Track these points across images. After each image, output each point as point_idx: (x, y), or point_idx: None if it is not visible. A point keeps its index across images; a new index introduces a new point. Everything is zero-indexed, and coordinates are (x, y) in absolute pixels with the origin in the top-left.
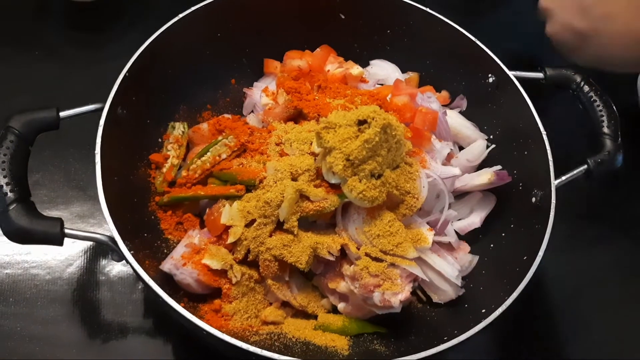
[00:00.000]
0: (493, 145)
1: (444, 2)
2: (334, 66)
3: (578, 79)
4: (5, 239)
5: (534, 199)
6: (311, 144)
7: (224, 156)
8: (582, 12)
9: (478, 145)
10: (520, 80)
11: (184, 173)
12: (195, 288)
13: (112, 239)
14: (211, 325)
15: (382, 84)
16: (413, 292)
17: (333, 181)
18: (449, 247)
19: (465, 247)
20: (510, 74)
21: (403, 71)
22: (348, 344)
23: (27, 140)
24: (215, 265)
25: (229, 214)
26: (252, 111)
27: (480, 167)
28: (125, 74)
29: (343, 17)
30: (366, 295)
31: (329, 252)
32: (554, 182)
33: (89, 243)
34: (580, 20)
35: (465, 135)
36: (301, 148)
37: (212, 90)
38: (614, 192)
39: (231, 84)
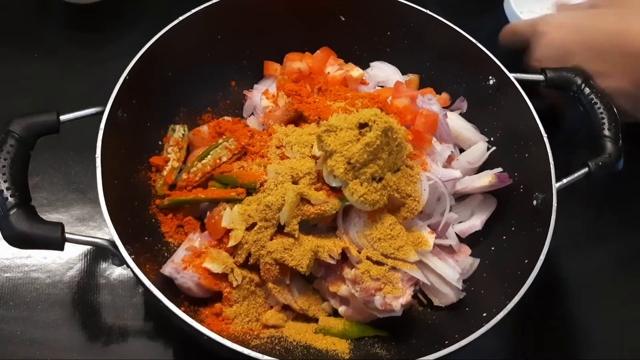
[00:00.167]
0: (494, 148)
1: (443, 2)
2: (334, 68)
3: (579, 81)
4: (4, 243)
5: (535, 202)
6: (312, 147)
7: (224, 159)
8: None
9: (479, 148)
10: (521, 82)
11: (184, 176)
12: (196, 292)
13: (112, 243)
14: (212, 329)
15: (382, 86)
16: (414, 295)
17: (334, 184)
18: (449, 250)
19: (466, 250)
20: (511, 76)
21: (403, 73)
22: (349, 347)
23: (28, 144)
24: (216, 268)
25: (229, 217)
26: (253, 113)
27: (480, 169)
28: (126, 77)
29: (343, 18)
30: (367, 299)
31: (330, 256)
32: (555, 185)
33: (89, 247)
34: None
35: (466, 138)
36: (302, 151)
37: (212, 92)
38: (614, 192)
39: (231, 86)
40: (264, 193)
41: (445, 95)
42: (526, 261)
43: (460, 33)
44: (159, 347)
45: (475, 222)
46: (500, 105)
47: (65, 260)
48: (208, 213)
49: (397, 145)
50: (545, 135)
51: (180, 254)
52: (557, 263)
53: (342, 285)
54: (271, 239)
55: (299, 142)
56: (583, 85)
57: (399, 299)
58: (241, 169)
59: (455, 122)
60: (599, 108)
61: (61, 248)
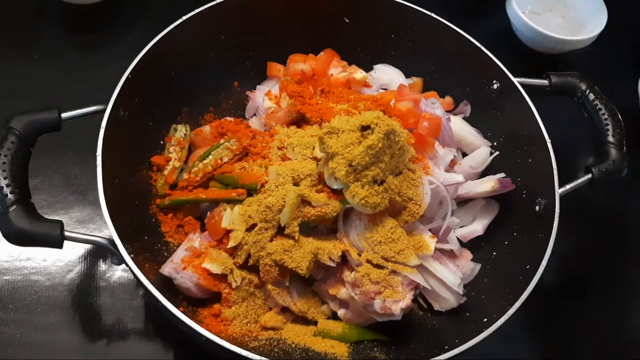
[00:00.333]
0: (497, 152)
1: (445, 4)
2: (338, 70)
3: (583, 87)
4: (4, 245)
5: (537, 208)
6: (313, 148)
7: (225, 159)
8: None
9: (481, 152)
10: (525, 87)
11: (185, 176)
12: (195, 292)
13: (112, 241)
14: (210, 330)
15: (385, 89)
16: (414, 300)
17: (335, 187)
18: (450, 254)
19: (468, 254)
20: (515, 80)
21: (407, 76)
22: (348, 350)
23: (28, 141)
24: (216, 269)
25: (230, 218)
26: (255, 114)
27: (483, 174)
28: (128, 76)
29: (347, 20)
30: (367, 302)
31: (330, 258)
32: (558, 191)
33: (89, 249)
34: None
35: (469, 142)
36: (303, 153)
37: (215, 92)
38: (617, 196)
39: (234, 86)
40: (265, 194)
41: (448, 99)
42: (527, 267)
43: (465, 36)
44: (159, 349)
45: (477, 227)
46: (504, 109)
47: (65, 263)
48: (208, 213)
49: (400, 148)
50: (549, 140)
51: (179, 254)
52: (559, 265)
53: (341, 288)
54: (271, 241)
55: (300, 144)
56: (587, 90)
57: (398, 303)
58: (242, 169)
59: (459, 126)
60: (604, 114)
61: (60, 246)
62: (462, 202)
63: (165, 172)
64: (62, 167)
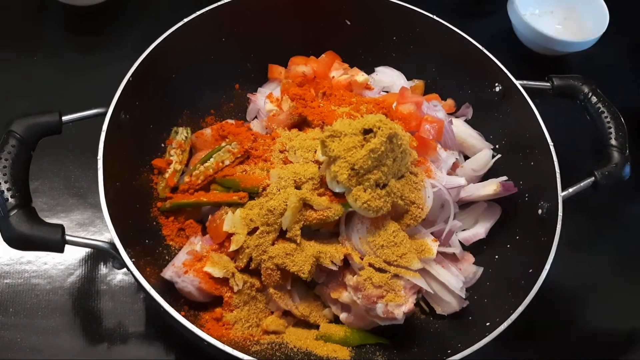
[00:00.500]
0: (499, 155)
1: (446, 5)
2: (339, 72)
3: (586, 90)
4: (4, 248)
5: (540, 211)
6: (315, 152)
7: (227, 162)
8: None
9: (484, 155)
10: (527, 89)
11: (186, 179)
12: (197, 296)
13: (113, 245)
14: (212, 334)
15: (387, 91)
16: (416, 303)
17: (337, 190)
18: (453, 258)
19: (470, 258)
20: (517, 83)
21: (408, 78)
22: (350, 354)
23: (29, 144)
24: (217, 273)
25: (231, 221)
26: (256, 117)
27: (485, 177)
28: (129, 79)
29: (349, 23)
30: (369, 306)
31: (332, 262)
32: (561, 194)
33: (90, 252)
34: None
35: (471, 145)
36: (305, 156)
37: (216, 95)
38: (618, 198)
39: (235, 89)
40: (267, 197)
41: (450, 102)
42: (530, 271)
43: (466, 38)
44: (160, 353)
45: (479, 230)
46: (506, 112)
47: (65, 266)
48: (210, 216)
49: (402, 151)
50: (552, 143)
51: (181, 257)
52: (560, 268)
53: (343, 291)
54: (273, 244)
55: (302, 147)
56: (590, 93)
57: (401, 307)
58: (244, 172)
59: (460, 128)
60: (606, 117)
61: (61, 250)
62: (464, 205)
63: (166, 175)
64: (62, 169)
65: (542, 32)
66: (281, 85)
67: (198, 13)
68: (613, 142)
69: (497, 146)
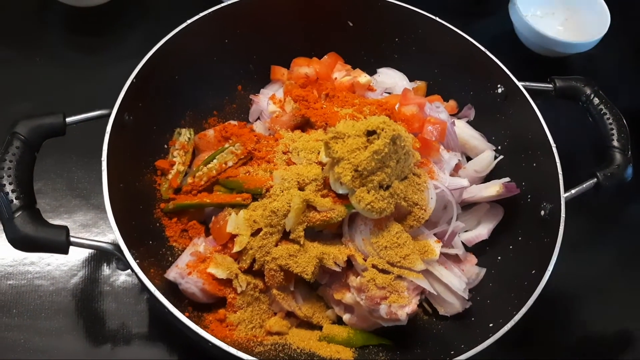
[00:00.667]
0: (501, 157)
1: (448, 6)
2: (342, 74)
3: (588, 91)
4: (7, 249)
5: (542, 212)
6: (319, 153)
7: (230, 164)
8: None
9: (486, 156)
10: (529, 90)
11: (189, 180)
12: (200, 297)
13: (117, 247)
14: (215, 335)
15: (389, 93)
16: (419, 304)
17: (340, 191)
18: (455, 259)
19: (472, 259)
20: (520, 84)
21: (410, 80)
22: (353, 355)
23: (33, 146)
24: (221, 274)
25: (234, 222)
26: (259, 118)
27: (487, 178)
28: (133, 80)
29: (351, 24)
30: (372, 307)
31: (335, 263)
32: (564, 195)
33: (93, 253)
34: None
35: (473, 146)
36: (308, 157)
37: (219, 96)
38: (620, 199)
39: (237, 90)
40: (270, 199)
41: (452, 103)
42: (533, 272)
43: (469, 40)
44: (164, 354)
45: (482, 231)
46: (509, 113)
47: (68, 267)
48: (213, 218)
49: (405, 153)
50: (554, 145)
51: (184, 258)
52: (562, 269)
53: (347, 293)
54: (276, 245)
55: (305, 148)
56: (592, 95)
57: (404, 308)
58: (247, 174)
59: (463, 130)
60: (608, 118)
61: (66, 252)
62: (467, 206)
63: (170, 176)
64: (64, 171)
65: (544, 34)
66: (284, 86)
67: (201, 15)
68: (615, 143)
69: (499, 147)
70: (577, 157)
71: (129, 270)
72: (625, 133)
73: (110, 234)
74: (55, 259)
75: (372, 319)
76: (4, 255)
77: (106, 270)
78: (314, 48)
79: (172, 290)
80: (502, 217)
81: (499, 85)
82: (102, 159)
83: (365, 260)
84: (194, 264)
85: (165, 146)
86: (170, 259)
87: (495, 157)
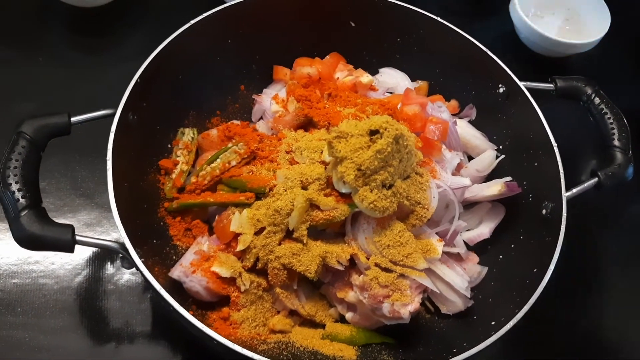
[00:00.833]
0: (502, 156)
1: (449, 6)
2: (344, 74)
3: (589, 91)
4: (12, 248)
5: (544, 211)
6: (321, 152)
7: (233, 163)
8: None
9: (487, 156)
10: (530, 90)
11: (193, 179)
12: (204, 296)
13: (122, 245)
14: (219, 333)
15: (391, 93)
16: (421, 303)
17: (343, 190)
18: (457, 257)
19: (474, 258)
20: (521, 84)
21: (412, 79)
22: (356, 353)
23: (39, 145)
24: (225, 273)
25: (238, 221)
26: (261, 118)
27: (489, 177)
28: (137, 80)
29: (353, 24)
30: (375, 306)
31: (338, 262)
32: (565, 194)
33: (97, 252)
34: None
35: (475, 145)
36: (311, 157)
37: (222, 96)
38: (621, 198)
39: (240, 90)
40: (273, 198)
41: (454, 103)
42: (535, 270)
43: (470, 40)
44: (167, 352)
45: (484, 230)
46: (510, 113)
47: (73, 266)
48: (217, 217)
49: (408, 152)
50: (555, 144)
51: (188, 257)
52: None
53: (349, 291)
54: (279, 244)
55: (308, 148)
56: (593, 95)
57: (407, 306)
58: (250, 173)
59: (464, 129)
60: (609, 118)
61: (71, 250)
62: (469, 205)
63: (173, 176)
64: (68, 170)
65: (544, 34)
66: (287, 86)
67: (204, 15)
68: (616, 142)
69: (500, 147)
70: (578, 156)
71: (133, 269)
72: (626, 132)
73: (114, 233)
74: (60, 257)
75: (375, 317)
76: (8, 254)
77: (110, 269)
78: (316, 48)
79: (176, 289)
80: (504, 216)
81: (500, 85)
82: (107, 158)
83: (368, 259)
84: (198, 263)
85: (169, 146)
86: (174, 257)
87: (497, 157)
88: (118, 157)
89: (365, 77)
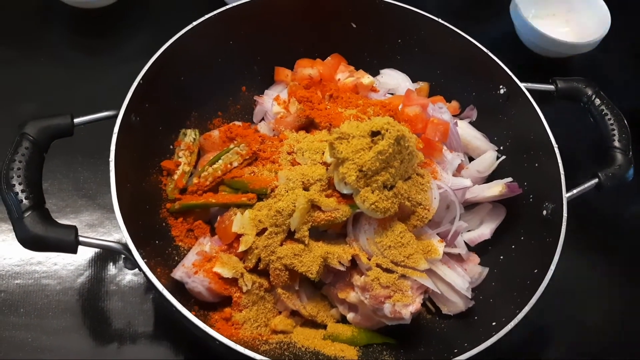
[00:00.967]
0: (503, 157)
1: (449, 7)
2: (345, 75)
3: (589, 92)
4: (15, 249)
5: (544, 212)
6: (323, 153)
7: (235, 164)
8: None
9: (488, 157)
10: (532, 92)
11: (195, 180)
12: (207, 296)
13: (125, 246)
14: (222, 333)
15: (392, 94)
16: (422, 303)
17: (345, 191)
18: (458, 258)
19: (475, 258)
20: (522, 85)
21: (413, 80)
22: (357, 354)
23: (42, 146)
24: (227, 273)
25: (240, 222)
26: (263, 119)
27: (490, 178)
28: (140, 81)
29: (354, 25)
30: (376, 306)
31: (340, 262)
32: (566, 195)
33: (99, 252)
34: None
35: (475, 146)
36: (313, 158)
37: (223, 97)
38: (622, 199)
39: (242, 91)
40: (275, 199)
41: (455, 104)
42: (535, 271)
43: (471, 41)
44: (169, 353)
45: (484, 231)
46: (511, 114)
47: (75, 267)
48: (218, 218)
49: (409, 153)
50: (556, 145)
51: (190, 258)
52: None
53: (351, 292)
54: (281, 245)
55: (310, 149)
56: (593, 96)
57: (408, 307)
58: (252, 174)
59: (465, 130)
60: (610, 119)
61: (75, 251)
62: (469, 206)
63: (175, 177)
64: (71, 171)
65: (545, 35)
66: (288, 87)
67: (206, 16)
68: (616, 143)
69: (501, 148)
70: (578, 157)
71: (136, 270)
72: (626, 133)
73: (116, 234)
74: (62, 258)
75: (376, 317)
76: (11, 255)
77: (112, 269)
78: (317, 49)
79: (179, 290)
80: (505, 217)
81: (501, 86)
82: (110, 159)
83: (370, 260)
84: (200, 263)
85: (171, 147)
86: (176, 258)
87: (498, 158)
88: (120, 158)
89: (366, 78)
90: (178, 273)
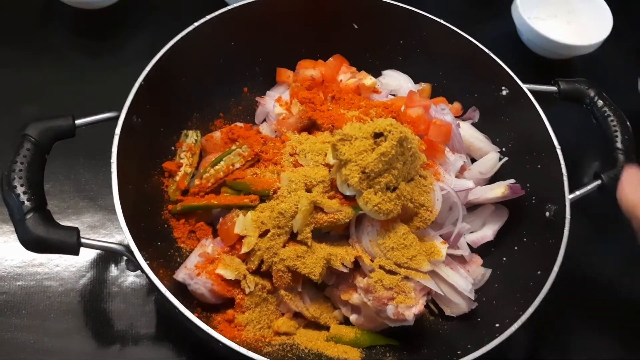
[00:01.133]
0: (505, 158)
1: (451, 8)
2: (347, 76)
3: (592, 94)
4: (17, 250)
5: (547, 213)
6: (325, 155)
7: (237, 165)
8: None
9: (491, 158)
10: (534, 93)
11: (197, 182)
12: (209, 298)
13: (127, 248)
14: (224, 335)
15: (394, 95)
16: (425, 305)
17: (348, 193)
18: (461, 260)
19: (478, 260)
20: (524, 86)
21: (415, 82)
22: (360, 355)
23: (44, 148)
24: (229, 275)
25: (242, 224)
26: (265, 120)
27: (492, 179)
28: (141, 82)
29: (356, 27)
30: (379, 308)
31: (343, 264)
32: (569, 197)
33: (101, 254)
34: None
35: (478, 148)
36: (315, 159)
37: (225, 98)
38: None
39: (243, 92)
40: (277, 200)
41: (457, 105)
42: (538, 272)
43: (473, 42)
44: (172, 355)
45: (487, 233)
46: (513, 115)
47: (77, 268)
48: (221, 219)
49: (412, 155)
50: (559, 146)
51: (193, 259)
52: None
53: (354, 293)
54: (284, 246)
55: (312, 150)
56: (596, 97)
57: (411, 308)
58: (254, 175)
59: (467, 132)
60: (612, 121)
61: (77, 253)
62: (472, 207)
63: (177, 178)
64: (72, 172)
65: (546, 36)
66: (290, 88)
67: (208, 17)
68: (619, 145)
69: (504, 149)
70: (581, 159)
71: (138, 272)
72: (629, 135)
73: (118, 235)
74: (64, 260)
75: (379, 319)
76: (13, 257)
77: (114, 271)
78: (319, 50)
79: (181, 291)
80: (507, 219)
81: (503, 88)
82: (112, 160)
83: (373, 261)
84: (203, 265)
85: (173, 148)
86: (178, 259)
87: (500, 159)
88: (122, 160)
89: (368, 80)
90: (180, 275)
